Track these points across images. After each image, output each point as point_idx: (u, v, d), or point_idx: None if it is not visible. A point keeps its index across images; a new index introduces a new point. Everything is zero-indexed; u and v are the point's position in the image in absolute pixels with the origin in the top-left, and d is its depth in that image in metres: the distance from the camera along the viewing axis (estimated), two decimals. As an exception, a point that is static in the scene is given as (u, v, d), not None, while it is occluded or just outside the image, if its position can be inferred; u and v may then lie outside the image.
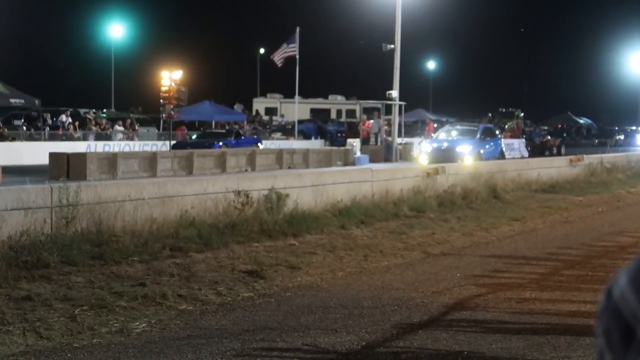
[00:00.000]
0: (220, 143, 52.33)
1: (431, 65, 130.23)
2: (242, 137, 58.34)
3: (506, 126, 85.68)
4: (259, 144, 57.02)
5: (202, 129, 70.34)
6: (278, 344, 10.41)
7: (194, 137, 59.22)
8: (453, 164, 35.78)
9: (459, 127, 55.00)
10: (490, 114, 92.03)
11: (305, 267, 15.92)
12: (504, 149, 52.30)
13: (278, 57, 62.94)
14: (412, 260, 17.48)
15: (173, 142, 55.38)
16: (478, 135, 48.90)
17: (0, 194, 16.32)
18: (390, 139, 54.92)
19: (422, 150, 47.83)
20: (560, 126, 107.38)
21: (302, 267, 15.88)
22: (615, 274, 1.41)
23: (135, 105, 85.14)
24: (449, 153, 43.98)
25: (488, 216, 24.66)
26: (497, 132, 55.41)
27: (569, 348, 10.22)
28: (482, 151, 46.68)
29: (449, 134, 51.13)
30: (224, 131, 62.37)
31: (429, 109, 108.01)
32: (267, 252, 17.07)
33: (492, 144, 49.76)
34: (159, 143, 57.85)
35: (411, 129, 75.13)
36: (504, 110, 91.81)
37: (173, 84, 50.53)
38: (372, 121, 59.96)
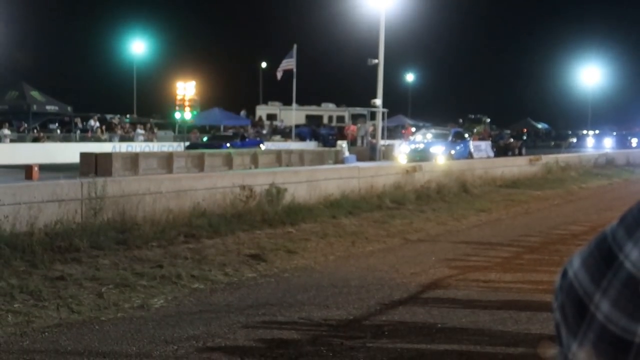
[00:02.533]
0: (228, 144, 52.06)
1: (410, 77, 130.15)
2: (247, 139, 58.16)
3: (475, 130, 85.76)
4: (262, 145, 56.87)
5: (212, 132, 70.06)
6: (277, 318, 10.41)
7: (204, 139, 58.99)
8: (429, 163, 35.82)
9: (433, 130, 54.62)
10: (460, 120, 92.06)
11: (301, 251, 15.91)
12: (472, 150, 51.62)
13: (279, 70, 63.09)
14: (393, 245, 17.48)
15: (187, 143, 55.19)
16: (450, 138, 48.70)
17: (38, 188, 16.32)
18: (374, 141, 54.93)
19: (402, 150, 47.54)
20: (521, 130, 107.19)
21: (298, 251, 15.88)
22: (569, 257, 1.41)
23: (155, 111, 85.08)
24: (424, 153, 43.83)
25: (459, 208, 24.66)
26: (467, 135, 54.49)
27: (529, 322, 10.23)
28: (453, 152, 46.13)
29: (424, 137, 50.77)
30: (230, 134, 61.43)
31: (408, 115, 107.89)
32: (268, 239, 17.06)
33: (462, 145, 49.31)
34: (175, 144, 57.79)
35: (392, 133, 75.07)
36: (473, 116, 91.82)
37: (186, 93, 51.15)
38: (357, 126, 60.36)
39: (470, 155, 48.91)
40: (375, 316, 10.60)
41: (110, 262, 13.59)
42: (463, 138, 51.54)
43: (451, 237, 18.90)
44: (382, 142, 56.39)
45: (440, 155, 43.41)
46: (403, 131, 71.55)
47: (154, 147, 53.97)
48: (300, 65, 63.94)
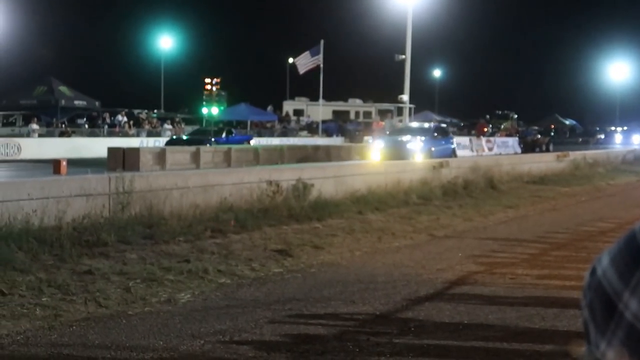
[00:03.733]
0: (212, 139, 49.71)
1: (437, 73, 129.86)
2: (234, 135, 54.81)
3: (502, 126, 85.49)
4: (250, 141, 54.37)
5: (223, 126, 68.93)
6: (304, 313, 10.41)
7: (184, 136, 55.25)
8: (454, 159, 35.75)
9: (413, 126, 50.42)
10: (488, 115, 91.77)
11: (328, 247, 15.92)
12: (456, 148, 46.41)
13: (301, 65, 62.85)
14: (419, 241, 17.46)
15: (167, 139, 53.41)
16: (430, 134, 43.65)
17: (66, 182, 16.41)
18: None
19: (375, 146, 42.34)
20: (549, 126, 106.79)
21: (325, 247, 15.88)
22: (597, 255, 1.41)
23: (182, 107, 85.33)
24: (400, 150, 39.36)
25: (486, 204, 24.60)
26: (450, 131, 50.76)
27: (556, 319, 10.19)
28: (433, 149, 40.78)
29: (402, 132, 45.55)
30: (216, 129, 57.81)
31: (435, 111, 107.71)
32: (295, 234, 17.07)
33: (444, 142, 43.84)
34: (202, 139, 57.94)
35: (419, 129, 75.03)
36: (500, 112, 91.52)
37: (214, 89, 51.00)
38: (384, 122, 60.14)
39: (453, 154, 43.12)
40: (402, 312, 10.59)
41: (138, 256, 13.64)
42: (446, 134, 47.15)
43: (478, 233, 18.85)
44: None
45: (418, 152, 39.28)
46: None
47: (181, 142, 54.03)
48: (327, 61, 63.99)
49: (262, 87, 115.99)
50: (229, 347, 8.66)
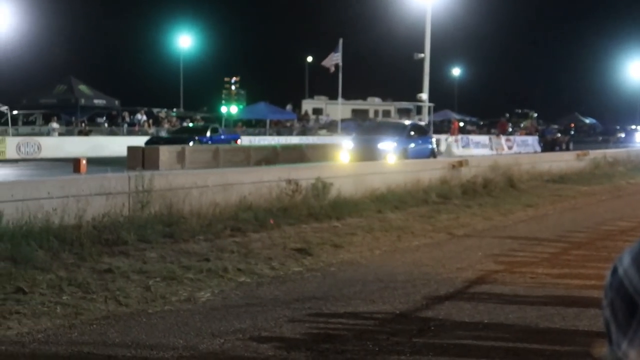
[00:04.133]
0: (196, 138, 46.92)
1: (456, 71, 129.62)
2: (220, 134, 51.26)
3: (522, 125, 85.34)
4: (238, 141, 51.82)
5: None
6: (323, 312, 10.42)
7: (164, 134, 53.61)
8: (475, 157, 35.67)
9: (386, 123, 47.94)
10: (507, 114, 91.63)
11: (347, 245, 15.92)
12: (435, 148, 42.05)
13: (329, 64, 62.93)
14: (439, 240, 17.44)
15: (148, 137, 50.65)
16: (405, 133, 38.72)
17: (86, 181, 16.48)
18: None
19: (343, 146, 37.96)
20: (569, 125, 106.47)
21: (344, 245, 15.89)
22: (617, 254, 1.41)
23: (201, 105, 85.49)
24: (370, 150, 35.27)
25: (505, 203, 24.55)
26: (429, 130, 45.68)
27: (576, 318, 10.16)
28: (408, 149, 36.97)
29: (374, 131, 41.43)
30: (200, 127, 54.97)
31: (455, 109, 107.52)
32: (314, 233, 17.09)
33: (420, 142, 39.42)
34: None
35: (439, 127, 75.00)
36: (520, 111, 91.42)
37: (233, 87, 50.83)
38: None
39: (432, 154, 39.49)
40: (422, 311, 10.59)
41: (158, 255, 13.69)
42: (423, 133, 42.10)
43: (498, 232, 18.81)
44: (428, 136, 56.28)
45: (391, 153, 35.22)
46: (453, 126, 70.84)
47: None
48: (346, 60, 63.92)
49: (281, 86, 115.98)
50: (248, 345, 8.68)
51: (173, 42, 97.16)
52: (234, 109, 52.82)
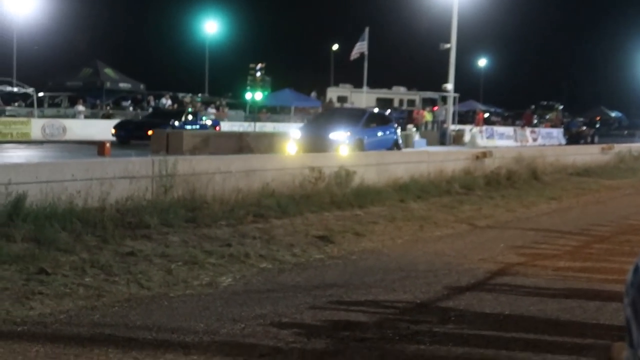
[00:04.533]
0: (171, 123, 44.07)
1: (482, 62, 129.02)
2: (198, 120, 47.96)
3: (547, 117, 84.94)
4: (217, 127, 49.09)
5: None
6: (344, 299, 10.44)
7: (135, 119, 50.49)
8: (499, 149, 35.54)
9: (342, 111, 43.50)
10: (533, 106, 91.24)
11: (369, 234, 15.92)
12: (400, 139, 37.27)
13: (354, 53, 62.96)
14: (461, 231, 17.41)
15: (118, 120, 48.80)
16: (361, 122, 34.70)
17: (110, 165, 16.55)
18: (445, 125, 54.77)
19: (291, 137, 34.22)
20: (594, 118, 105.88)
21: (366, 234, 15.89)
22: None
23: (226, 91, 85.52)
24: (320, 141, 31.53)
25: (529, 195, 24.48)
26: (392, 119, 40.60)
27: (598, 311, 10.14)
28: (365, 140, 33.36)
29: (327, 119, 36.96)
30: (175, 111, 51.69)
31: (480, 100, 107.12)
32: (336, 221, 17.10)
33: (380, 132, 35.42)
34: (246, 124, 58.09)
35: (464, 118, 74.84)
36: (545, 103, 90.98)
37: (258, 74, 50.48)
38: (425, 110, 60.01)
39: (395, 146, 35.57)
40: (442, 301, 10.58)
41: (180, 239, 13.73)
42: (384, 122, 37.39)
43: (520, 224, 18.77)
44: (452, 127, 56.19)
45: (343, 144, 31.64)
46: (478, 117, 70.55)
47: (225, 126, 54.15)
48: (371, 48, 63.89)
49: (306, 73, 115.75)
50: (269, 331, 8.70)
51: (199, 27, 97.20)
52: (258, 96, 52.64)
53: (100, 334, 8.34)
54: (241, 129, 51.71)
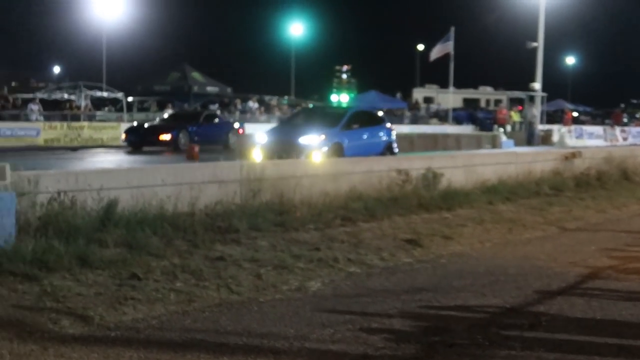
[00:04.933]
0: (186, 128, 40.40)
1: (570, 60, 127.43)
2: (216, 121, 43.82)
3: (637, 115, 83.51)
4: (241, 130, 43.33)
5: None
6: (433, 304, 10.40)
7: (147, 124, 44.25)
8: (589, 149, 35.04)
9: (321, 110, 37.02)
10: (622, 104, 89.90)
11: (457, 237, 15.84)
12: (393, 142, 30.84)
13: (439, 54, 62.75)
14: (551, 233, 17.22)
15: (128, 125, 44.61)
16: (341, 122, 28.88)
17: (199, 169, 16.73)
18: (533, 125, 54.23)
19: (256, 140, 29.15)
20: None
21: (455, 237, 15.81)
22: None
23: (312, 93, 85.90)
24: (288, 146, 26.24)
25: (619, 196, 24.12)
26: (384, 119, 32.71)
27: (693, 316, 9.95)
28: (344, 144, 27.92)
29: (301, 120, 31.23)
30: (192, 112, 47.21)
31: (568, 99, 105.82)
32: (424, 224, 17.03)
33: (367, 135, 29.63)
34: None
35: (552, 117, 74.01)
36: (635, 101, 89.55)
37: (344, 76, 50.43)
38: (511, 111, 59.47)
39: (388, 151, 30.07)
40: (533, 306, 10.47)
41: (269, 243, 13.81)
42: (375, 122, 31.15)
43: (611, 226, 18.50)
44: (540, 127, 55.59)
45: (317, 150, 26.64)
46: (567, 117, 69.53)
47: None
48: (457, 48, 63.65)
49: (391, 74, 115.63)
50: (358, 336, 8.71)
51: (285, 30, 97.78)
52: (344, 98, 52.62)
53: (191, 339, 8.44)
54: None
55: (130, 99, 63.38)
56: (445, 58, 64.75)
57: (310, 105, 59.92)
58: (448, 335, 8.87)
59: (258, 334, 8.72)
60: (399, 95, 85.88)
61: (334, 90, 52.74)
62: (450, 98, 68.90)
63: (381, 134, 30.39)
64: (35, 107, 50.10)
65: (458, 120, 71.10)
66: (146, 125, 42.86)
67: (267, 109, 65.95)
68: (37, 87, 69.76)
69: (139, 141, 40.25)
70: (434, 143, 43.93)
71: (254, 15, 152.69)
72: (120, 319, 9.14)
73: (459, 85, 74.75)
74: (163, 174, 15.57)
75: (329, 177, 18.66)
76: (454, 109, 72.14)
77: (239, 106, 67.01)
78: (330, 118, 29.49)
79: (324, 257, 12.93)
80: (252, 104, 65.62)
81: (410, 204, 18.72)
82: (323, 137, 27.42)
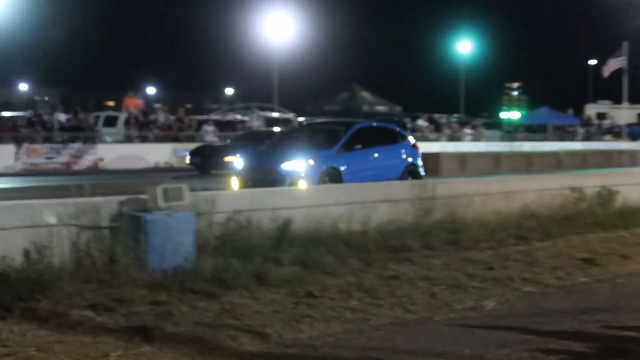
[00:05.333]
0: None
1: None
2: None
3: None
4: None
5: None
6: (612, 324, 10.14)
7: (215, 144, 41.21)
8: None
9: (317, 127, 27.54)
10: None
11: (636, 256, 15.39)
12: (418, 163, 25.33)
13: (610, 70, 61.45)
14: None
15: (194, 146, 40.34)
16: (340, 143, 23.51)
17: (370, 188, 16.87)
18: None
19: (233, 165, 25.00)
20: None
21: (633, 256, 15.37)
22: None
23: (482, 111, 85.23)
24: (266, 173, 22.05)
25: None
26: (403, 135, 26.76)
27: None
28: (342, 169, 22.78)
29: (288, 141, 25.09)
30: (264, 132, 38.78)
31: None
32: (600, 242, 16.65)
33: (376, 155, 24.24)
34: (502, 144, 57.49)
35: None
36: None
37: (514, 93, 50.10)
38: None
39: (410, 175, 24.50)
40: None
41: (442, 262, 13.76)
42: (389, 141, 25.38)
43: None
44: None
45: (302, 179, 21.93)
46: None
47: (482, 147, 53.75)
48: (632, 63, 62.06)
49: (562, 90, 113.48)
50: (535, 357, 8.57)
51: (452, 47, 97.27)
52: (515, 115, 52.00)
53: (367, 358, 8.48)
54: (498, 149, 51.19)
55: (301, 119, 64.26)
56: (618, 73, 63.30)
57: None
58: (628, 357, 8.66)
59: (434, 353, 8.69)
60: (570, 111, 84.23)
61: (504, 107, 52.14)
62: (624, 114, 67.22)
63: (399, 154, 24.99)
64: (209, 128, 51.25)
65: (633, 136, 69.26)
66: (213, 146, 39.86)
67: (437, 127, 65.75)
68: (211, 109, 71.46)
69: (205, 163, 37.10)
70: (607, 160, 42.98)
71: (421, 34, 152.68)
72: (297, 337, 9.27)
73: (633, 100, 72.84)
74: (336, 194, 15.77)
75: (500, 195, 18.48)
76: (629, 125, 70.32)
77: (409, 125, 67.15)
78: (327, 137, 24.15)
79: (499, 276, 12.80)
80: (422, 123, 65.59)
81: (584, 222, 18.35)
82: (311, 162, 22.57)
